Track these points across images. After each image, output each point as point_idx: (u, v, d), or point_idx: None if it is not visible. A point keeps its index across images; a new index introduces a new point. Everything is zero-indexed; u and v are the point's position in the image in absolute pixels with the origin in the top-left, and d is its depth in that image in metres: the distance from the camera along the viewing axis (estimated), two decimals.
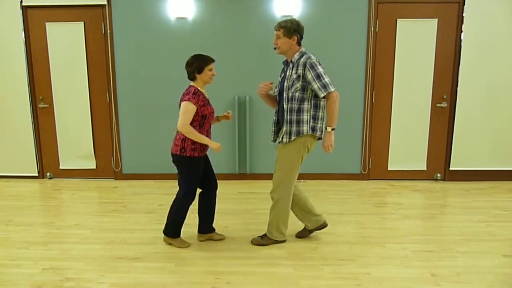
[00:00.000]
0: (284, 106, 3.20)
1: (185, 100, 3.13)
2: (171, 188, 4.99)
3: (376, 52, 5.02)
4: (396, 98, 5.10)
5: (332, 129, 3.15)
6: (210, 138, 3.32)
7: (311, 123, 3.19)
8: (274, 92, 3.41)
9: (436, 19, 4.92)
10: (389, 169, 5.28)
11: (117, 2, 4.96)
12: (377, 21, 4.95)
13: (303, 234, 3.58)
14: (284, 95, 3.20)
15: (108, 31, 5.01)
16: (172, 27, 5.00)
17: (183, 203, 3.33)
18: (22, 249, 3.38)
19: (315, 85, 3.08)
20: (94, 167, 5.38)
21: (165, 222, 3.46)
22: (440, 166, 5.27)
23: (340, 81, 5.05)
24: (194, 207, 3.46)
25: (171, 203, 3.38)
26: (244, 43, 5.01)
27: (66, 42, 5.07)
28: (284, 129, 3.21)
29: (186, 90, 3.22)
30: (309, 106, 3.18)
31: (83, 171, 5.39)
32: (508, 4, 4.80)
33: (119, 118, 5.22)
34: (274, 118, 3.40)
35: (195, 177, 3.30)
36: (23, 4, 4.97)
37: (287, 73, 3.22)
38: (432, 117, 5.14)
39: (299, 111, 3.16)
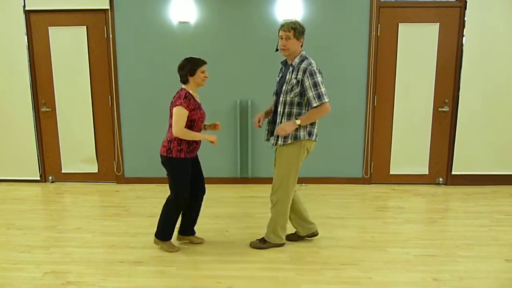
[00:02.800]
0: (280, 109, 3.21)
1: (177, 105, 3.13)
2: None
3: (378, 56, 5.02)
4: (398, 102, 5.10)
5: (299, 124, 3.11)
6: (199, 145, 3.33)
7: (308, 128, 3.20)
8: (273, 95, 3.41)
9: (438, 24, 4.93)
10: (391, 173, 5.28)
11: (119, 6, 4.98)
12: (379, 25, 4.96)
13: (291, 238, 3.57)
14: (281, 98, 3.20)
15: (111, 36, 5.03)
16: (175, 32, 5.02)
17: (173, 205, 3.31)
18: (23, 253, 3.38)
19: (310, 93, 3.08)
20: (96, 171, 5.39)
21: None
22: (442, 170, 5.26)
23: (342, 85, 5.07)
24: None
25: (162, 205, 3.38)
26: (246, 47, 5.02)
27: (69, 46, 5.09)
28: None
29: (177, 93, 3.22)
30: (306, 111, 3.18)
31: (85, 175, 5.40)
32: (509, 8, 4.80)
33: (121, 122, 5.23)
34: (270, 117, 3.40)
35: (183, 179, 3.26)
36: (26, 8, 5.00)
37: (287, 77, 3.21)
38: (434, 121, 5.14)
39: (297, 115, 3.17)
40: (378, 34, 4.98)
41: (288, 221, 3.45)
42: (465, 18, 4.87)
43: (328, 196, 4.85)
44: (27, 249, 3.46)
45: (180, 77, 3.25)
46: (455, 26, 4.94)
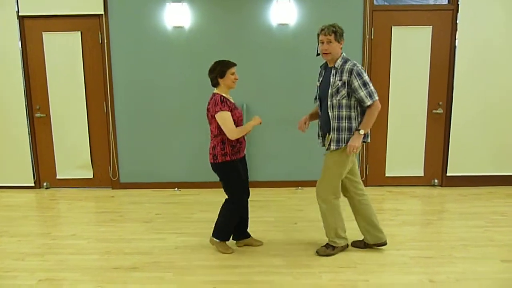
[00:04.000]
0: (330, 113, 3.16)
1: (217, 112, 3.13)
2: (169, 197, 4.97)
3: (372, 59, 5.05)
4: (392, 104, 5.12)
5: (364, 133, 3.11)
6: (245, 142, 3.36)
7: None
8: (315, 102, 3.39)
9: (431, 27, 4.96)
10: (386, 175, 5.29)
11: (114, 11, 4.98)
12: (373, 29, 4.98)
13: (358, 245, 3.52)
14: (329, 102, 3.16)
15: (105, 41, 5.03)
16: (169, 36, 5.02)
17: (233, 208, 3.35)
18: (18, 260, 3.35)
19: (362, 93, 3.06)
20: (91, 177, 5.36)
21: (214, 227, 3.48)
22: (437, 172, 5.28)
23: None
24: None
25: (221, 206, 3.41)
26: (241, 52, 5.03)
27: (63, 52, 5.08)
28: (332, 136, 3.18)
29: (211, 99, 3.22)
30: (356, 113, 3.16)
31: (80, 181, 5.37)
32: (502, 10, 4.84)
33: (116, 127, 5.21)
34: (319, 123, 3.37)
35: (236, 180, 3.29)
36: (20, 14, 4.98)
37: (331, 80, 3.15)
38: (429, 123, 5.16)
39: (347, 118, 3.14)
40: (372, 37, 5.00)
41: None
42: (458, 21, 4.91)
43: None
44: (21, 256, 3.43)
45: (211, 80, 3.27)
46: (448, 29, 4.98)
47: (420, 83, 5.07)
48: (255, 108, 5.07)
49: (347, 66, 3.10)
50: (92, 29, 5.04)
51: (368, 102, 3.07)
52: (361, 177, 5.22)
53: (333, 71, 3.16)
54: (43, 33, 5.04)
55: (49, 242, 3.71)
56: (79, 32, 5.04)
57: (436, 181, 5.28)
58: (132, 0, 4.95)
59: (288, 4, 4.89)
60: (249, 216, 3.60)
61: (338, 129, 3.15)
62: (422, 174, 5.28)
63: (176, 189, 5.22)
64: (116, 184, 5.34)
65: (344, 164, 3.20)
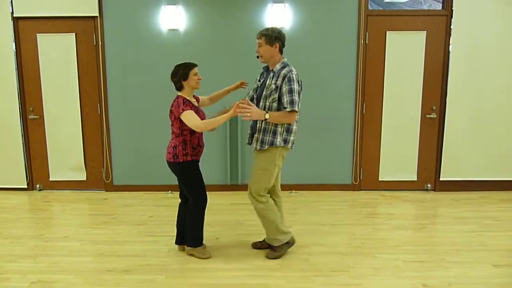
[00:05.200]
0: None
1: (181, 113, 3.13)
2: (162, 200, 4.96)
3: (366, 64, 5.07)
4: (386, 109, 5.15)
5: (266, 118, 3.09)
6: (203, 143, 3.37)
7: (284, 135, 3.21)
8: (248, 95, 3.47)
9: (425, 32, 5.00)
10: (380, 179, 5.31)
11: (108, 13, 4.97)
12: (367, 34, 5.01)
13: (259, 246, 3.57)
14: (261, 103, 3.22)
15: (100, 43, 5.01)
16: (164, 39, 5.02)
17: (196, 209, 3.35)
18: (10, 262, 3.33)
19: (285, 98, 3.10)
20: (85, 179, 5.33)
21: (175, 233, 3.50)
22: (430, 177, 5.31)
23: (331, 93, 5.11)
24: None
25: (185, 213, 3.40)
26: (235, 55, 5.03)
27: (57, 54, 5.06)
28: (257, 136, 3.24)
29: (174, 101, 3.23)
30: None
31: (74, 183, 5.34)
32: (496, 16, 4.89)
33: (110, 130, 5.20)
34: (251, 122, 3.40)
35: (197, 180, 3.31)
36: (14, 15, 4.96)
37: (267, 82, 3.23)
38: (422, 128, 5.19)
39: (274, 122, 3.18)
40: (366, 42, 5.03)
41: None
42: (452, 26, 4.95)
43: (318, 202, 4.85)
44: (13, 258, 3.41)
45: (174, 84, 3.27)
46: (442, 34, 5.02)
47: (414, 88, 5.10)
48: None
49: (283, 71, 3.16)
50: (86, 31, 5.03)
51: (288, 108, 3.09)
52: (355, 181, 5.29)
53: (271, 74, 3.23)
54: (37, 34, 5.02)
55: (42, 244, 3.69)
56: (74, 34, 5.02)
57: (429, 185, 5.31)
58: (127, 2, 4.95)
59: (283, 8, 4.91)
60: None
61: (264, 131, 3.20)
62: (416, 179, 5.30)
63: (169, 192, 5.21)
64: (109, 187, 5.32)
65: (271, 161, 3.22)
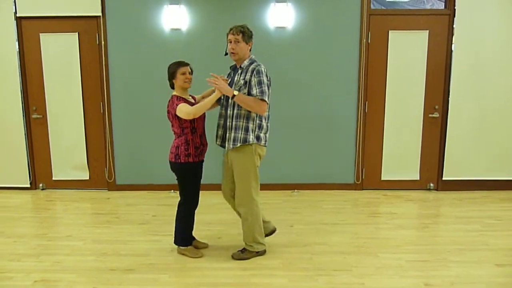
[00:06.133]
0: (229, 111, 3.19)
1: (175, 109, 3.15)
2: (165, 199, 4.97)
3: (369, 63, 5.07)
4: (388, 108, 5.14)
5: (234, 95, 3.06)
6: (206, 142, 3.36)
7: (256, 132, 3.19)
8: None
9: (427, 31, 4.99)
10: (382, 179, 5.30)
11: (111, 13, 4.98)
12: (369, 33, 5.01)
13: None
14: (230, 100, 3.18)
15: (103, 42, 5.02)
16: (166, 38, 5.02)
17: (185, 209, 3.35)
18: (13, 261, 3.34)
19: (255, 90, 3.08)
20: (88, 178, 5.34)
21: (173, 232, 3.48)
22: (433, 176, 5.30)
23: (334, 92, 5.11)
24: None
25: (176, 212, 3.40)
26: None
27: (60, 53, 5.07)
28: (228, 135, 3.20)
29: (169, 101, 3.25)
30: (254, 114, 3.17)
31: (76, 182, 5.35)
32: (498, 15, 4.88)
33: (112, 129, 5.21)
34: (218, 122, 3.37)
35: (192, 182, 3.32)
36: (18, 15, 4.98)
37: (235, 79, 3.21)
38: (425, 127, 5.18)
39: (246, 117, 3.15)
40: (369, 41, 5.03)
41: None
42: (454, 26, 4.94)
43: (321, 202, 4.85)
44: (16, 257, 3.42)
45: (169, 83, 3.30)
46: (445, 34, 5.01)
47: (417, 87, 5.10)
48: None
49: (252, 66, 3.15)
50: (89, 30, 5.04)
51: (258, 97, 3.06)
52: (357, 180, 5.28)
53: (239, 71, 3.22)
54: (40, 34, 5.03)
55: (45, 243, 3.70)
56: (77, 34, 5.03)
57: (431, 185, 5.30)
58: (130, 2, 4.96)
59: (286, 7, 4.91)
60: (195, 219, 3.52)
61: (236, 128, 3.16)
62: (418, 178, 5.30)
63: (171, 191, 5.21)
64: (112, 186, 5.33)
65: (248, 159, 3.19)
